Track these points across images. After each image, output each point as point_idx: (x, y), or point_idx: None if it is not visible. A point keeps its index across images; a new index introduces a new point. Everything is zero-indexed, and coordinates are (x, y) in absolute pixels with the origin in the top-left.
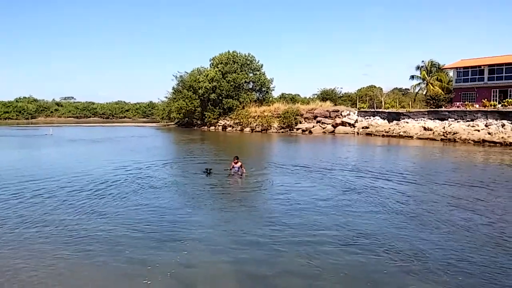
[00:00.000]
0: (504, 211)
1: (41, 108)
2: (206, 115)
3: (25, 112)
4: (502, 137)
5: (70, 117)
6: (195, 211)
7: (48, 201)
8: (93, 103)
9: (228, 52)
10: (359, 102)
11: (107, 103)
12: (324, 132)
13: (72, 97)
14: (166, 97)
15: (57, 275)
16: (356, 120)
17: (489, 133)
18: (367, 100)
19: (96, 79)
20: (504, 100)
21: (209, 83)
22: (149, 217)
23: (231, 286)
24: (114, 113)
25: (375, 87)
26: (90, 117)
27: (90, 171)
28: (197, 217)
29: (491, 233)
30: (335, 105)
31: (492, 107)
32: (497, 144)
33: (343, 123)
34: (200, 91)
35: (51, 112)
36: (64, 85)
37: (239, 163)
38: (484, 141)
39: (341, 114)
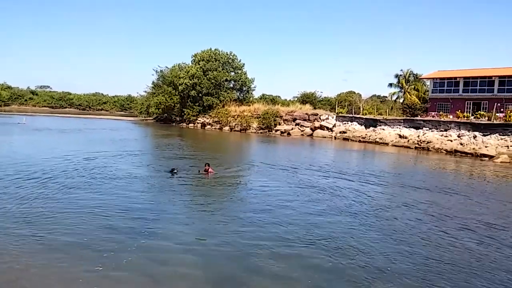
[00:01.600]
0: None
1: (15, 96)
2: (185, 112)
3: None
4: (473, 148)
5: (45, 106)
6: (162, 208)
7: None
8: (70, 94)
9: (210, 49)
10: (338, 107)
11: (84, 94)
12: (302, 135)
13: (48, 86)
14: (145, 92)
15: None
16: (334, 124)
17: (461, 144)
18: (346, 106)
19: (73, 68)
20: (476, 112)
21: (190, 79)
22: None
23: (198, 284)
24: (91, 104)
25: (354, 93)
26: (66, 107)
27: (36, 160)
28: (165, 214)
29: (424, 230)
30: (315, 108)
31: (465, 118)
32: (468, 155)
33: (321, 127)
34: (180, 87)
35: (26, 100)
36: (40, 73)
37: (210, 169)
38: (456, 151)
39: (320, 118)
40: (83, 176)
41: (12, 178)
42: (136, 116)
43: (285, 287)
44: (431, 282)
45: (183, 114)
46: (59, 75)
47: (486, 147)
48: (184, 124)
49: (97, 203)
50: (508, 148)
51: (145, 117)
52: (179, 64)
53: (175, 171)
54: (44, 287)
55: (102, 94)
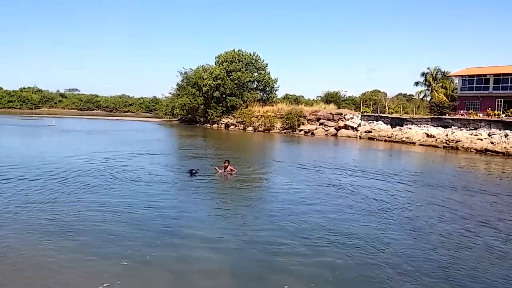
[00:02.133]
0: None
1: (45, 98)
2: (209, 113)
3: (29, 102)
4: (505, 147)
5: (73, 108)
6: (183, 207)
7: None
8: (97, 96)
9: (234, 50)
10: (363, 106)
11: (111, 97)
12: (326, 134)
13: (77, 89)
14: (170, 93)
15: (38, 266)
16: (359, 124)
17: (492, 143)
18: (371, 105)
19: (101, 71)
20: (508, 110)
21: (214, 80)
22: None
23: (225, 283)
24: (118, 106)
25: (379, 91)
26: (93, 109)
27: (63, 160)
28: (186, 213)
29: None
30: (339, 108)
31: (496, 116)
32: (499, 154)
33: (346, 127)
34: (204, 88)
35: (55, 103)
36: (69, 76)
37: (230, 167)
38: (486, 150)
39: (344, 118)
40: (105, 176)
41: (40, 178)
42: (161, 117)
43: (305, 285)
44: (452, 281)
45: (207, 115)
46: (87, 78)
47: None
48: (208, 125)
49: (119, 202)
50: None
51: (170, 118)
52: (203, 65)
53: (194, 171)
54: (70, 281)
55: (128, 96)
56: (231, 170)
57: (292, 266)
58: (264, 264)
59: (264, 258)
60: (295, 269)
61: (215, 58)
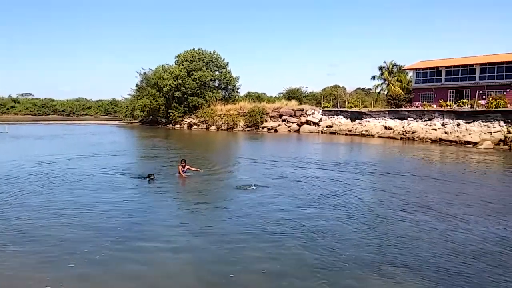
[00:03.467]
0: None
1: None
2: (171, 113)
3: None
4: (458, 136)
5: (27, 114)
6: (150, 210)
7: None
8: (53, 100)
9: (194, 49)
10: (323, 101)
11: (67, 100)
12: (289, 130)
13: (30, 94)
14: (129, 95)
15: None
16: (321, 119)
17: (445, 132)
18: (331, 100)
19: (55, 75)
20: (459, 101)
21: (174, 80)
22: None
23: (191, 285)
24: (75, 110)
25: (339, 86)
26: (49, 114)
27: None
28: (152, 215)
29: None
30: (301, 104)
31: (449, 107)
32: (453, 143)
33: (308, 122)
34: (164, 88)
35: (7, 109)
36: (21, 80)
37: (187, 166)
38: (441, 139)
39: (306, 113)
40: (51, 181)
41: None
42: (121, 120)
43: (274, 283)
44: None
45: (168, 115)
46: (40, 82)
47: (469, 134)
48: (170, 126)
49: (65, 206)
50: (491, 134)
51: (130, 120)
52: (162, 65)
53: (152, 177)
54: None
55: (85, 99)
56: (190, 169)
57: (258, 265)
58: (229, 263)
59: (229, 257)
60: (261, 267)
61: (175, 58)
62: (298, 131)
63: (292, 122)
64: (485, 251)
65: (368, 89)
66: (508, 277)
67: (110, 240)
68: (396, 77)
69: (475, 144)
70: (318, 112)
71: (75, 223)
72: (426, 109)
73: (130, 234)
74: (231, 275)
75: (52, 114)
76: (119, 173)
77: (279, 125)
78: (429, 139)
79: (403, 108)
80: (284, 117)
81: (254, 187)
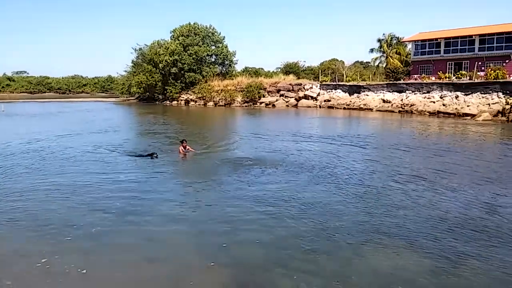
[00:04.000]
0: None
1: None
2: (167, 90)
3: None
4: (456, 108)
5: (23, 92)
6: (156, 188)
7: None
8: (48, 78)
9: (189, 24)
10: (321, 75)
11: (62, 78)
12: (287, 105)
13: (25, 72)
14: (125, 71)
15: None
16: (319, 93)
17: (443, 105)
18: (330, 74)
19: (50, 52)
20: (458, 72)
21: (170, 56)
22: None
23: (192, 257)
24: (71, 88)
25: (337, 60)
26: (45, 92)
27: None
28: (149, 190)
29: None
30: (298, 78)
31: (447, 79)
32: (451, 115)
33: (306, 97)
34: (160, 64)
35: (2, 87)
36: (16, 58)
37: (188, 147)
38: (439, 112)
39: (304, 88)
40: (41, 158)
41: None
42: (118, 97)
43: (267, 253)
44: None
45: (165, 92)
46: (35, 59)
47: (468, 106)
48: (168, 102)
49: (62, 183)
50: (489, 106)
51: (127, 97)
52: (158, 41)
53: (155, 155)
54: (5, 260)
55: (81, 76)
56: (189, 149)
57: (256, 237)
58: (228, 236)
59: (228, 230)
60: (258, 238)
61: (171, 33)
62: (296, 106)
63: (290, 97)
64: (469, 217)
65: (367, 62)
66: (490, 241)
67: (106, 214)
68: (395, 50)
69: (473, 116)
70: (316, 86)
71: (71, 198)
72: (424, 81)
73: (126, 207)
74: (224, 245)
75: (47, 92)
76: (117, 150)
77: (277, 100)
78: (427, 112)
79: (402, 81)
80: (282, 92)
81: (250, 162)
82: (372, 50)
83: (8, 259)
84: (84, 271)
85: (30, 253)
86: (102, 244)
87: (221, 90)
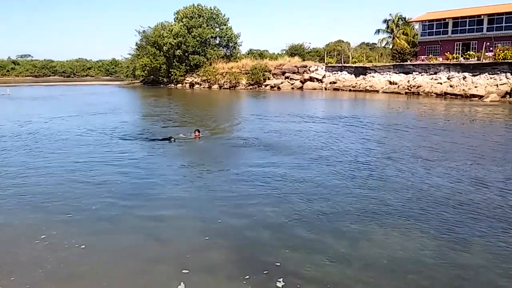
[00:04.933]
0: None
1: None
2: (172, 72)
3: None
4: (463, 89)
5: (28, 76)
6: (159, 170)
7: None
8: (52, 61)
9: (193, 5)
10: (327, 57)
11: (67, 61)
12: (292, 88)
13: (29, 55)
14: (129, 54)
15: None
16: (324, 75)
17: (451, 86)
18: (335, 55)
19: (54, 35)
20: (466, 53)
21: (174, 38)
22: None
23: (199, 238)
24: (76, 71)
25: (343, 42)
26: (49, 75)
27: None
28: (161, 175)
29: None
30: (304, 60)
31: (455, 60)
32: (458, 97)
33: (311, 79)
34: (164, 47)
35: (7, 71)
36: (20, 42)
37: (200, 135)
38: (446, 93)
39: (309, 70)
40: (48, 139)
41: None
42: (123, 80)
43: (276, 234)
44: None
45: (170, 75)
46: (39, 43)
47: (475, 87)
48: (172, 85)
49: (61, 163)
50: (497, 87)
51: (131, 80)
52: (161, 23)
53: (173, 139)
54: (6, 240)
55: (86, 59)
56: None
57: (264, 219)
58: (237, 217)
59: (237, 212)
60: (267, 221)
61: (174, 14)
62: (301, 88)
63: (295, 79)
64: (474, 197)
65: (373, 43)
66: (495, 221)
67: (109, 193)
68: (402, 30)
69: (480, 97)
70: (322, 68)
71: (74, 178)
72: (431, 62)
73: (129, 188)
74: (227, 224)
75: (52, 76)
76: (123, 133)
77: (282, 83)
78: (434, 93)
79: (408, 62)
80: (287, 74)
81: (255, 143)
82: (378, 31)
83: (6, 235)
84: (83, 246)
85: (29, 230)
86: (102, 221)
87: (226, 72)
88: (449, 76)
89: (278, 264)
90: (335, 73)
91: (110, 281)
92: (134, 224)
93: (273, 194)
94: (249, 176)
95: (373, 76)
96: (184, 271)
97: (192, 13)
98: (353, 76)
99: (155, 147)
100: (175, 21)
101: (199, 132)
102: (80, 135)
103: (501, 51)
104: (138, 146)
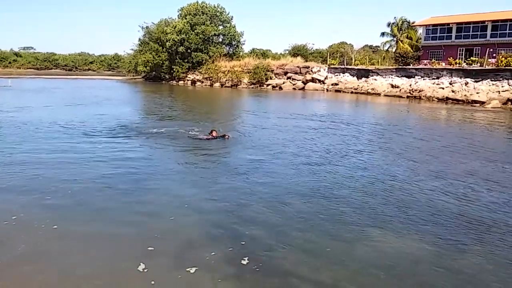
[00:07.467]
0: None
1: None
2: (174, 69)
3: None
4: (465, 95)
5: (30, 68)
6: (156, 164)
7: None
8: (55, 54)
9: (197, 2)
10: (329, 58)
11: (69, 54)
12: (294, 88)
13: (32, 47)
14: (132, 50)
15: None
16: (326, 76)
17: (452, 91)
18: (338, 57)
19: (57, 28)
20: (468, 59)
21: (177, 35)
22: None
23: (196, 234)
24: (78, 65)
25: (346, 43)
26: (51, 68)
27: None
28: (159, 169)
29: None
30: (306, 61)
31: (457, 65)
32: (460, 102)
33: (313, 80)
34: (167, 43)
35: (9, 62)
36: (23, 34)
37: (216, 134)
38: (447, 98)
39: (311, 71)
40: (48, 130)
41: None
42: (125, 75)
43: (274, 233)
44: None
45: (172, 71)
46: (42, 36)
47: (477, 93)
48: (174, 82)
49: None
50: (499, 93)
51: (133, 75)
52: (165, 19)
53: (227, 136)
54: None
55: (88, 53)
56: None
57: (263, 217)
58: (237, 216)
59: (237, 211)
60: (266, 219)
61: (178, 11)
62: (303, 89)
63: (297, 80)
64: (473, 203)
65: (376, 46)
66: (493, 227)
67: (104, 183)
68: (405, 34)
69: (482, 103)
70: (324, 69)
71: (54, 164)
72: (434, 67)
73: (124, 179)
74: (226, 222)
75: (54, 69)
76: (127, 128)
77: (283, 83)
78: (436, 98)
79: (411, 66)
80: (289, 75)
81: (256, 143)
82: (383, 34)
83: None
84: (55, 226)
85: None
86: (77, 203)
87: (228, 71)
88: (451, 81)
89: (274, 264)
90: (337, 75)
91: (80, 261)
92: (114, 210)
93: (272, 193)
94: (249, 174)
95: (375, 79)
96: (149, 248)
97: (196, 10)
98: (355, 78)
99: (140, 140)
100: (178, 17)
101: (215, 132)
102: (64, 126)
103: (504, 58)
104: (122, 136)
